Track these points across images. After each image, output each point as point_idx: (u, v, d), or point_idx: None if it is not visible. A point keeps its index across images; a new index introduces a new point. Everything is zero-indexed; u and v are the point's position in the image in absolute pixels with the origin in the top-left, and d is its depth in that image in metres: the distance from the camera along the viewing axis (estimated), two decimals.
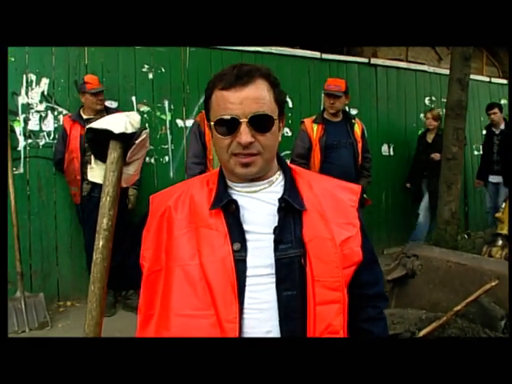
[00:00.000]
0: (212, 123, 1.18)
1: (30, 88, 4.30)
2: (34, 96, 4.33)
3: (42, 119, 4.36)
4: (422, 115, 6.74)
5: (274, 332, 1.14)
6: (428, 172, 5.87)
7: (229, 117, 1.13)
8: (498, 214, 3.80)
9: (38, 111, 4.35)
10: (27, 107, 4.30)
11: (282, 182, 1.27)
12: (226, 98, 1.14)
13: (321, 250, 1.17)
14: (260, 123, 1.14)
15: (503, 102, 7.79)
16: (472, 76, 6.79)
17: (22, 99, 4.27)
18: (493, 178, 6.12)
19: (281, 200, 1.20)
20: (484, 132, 7.43)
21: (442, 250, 3.69)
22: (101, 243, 1.17)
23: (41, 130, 4.36)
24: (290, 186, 1.24)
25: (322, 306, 1.15)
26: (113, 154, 1.19)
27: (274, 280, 1.15)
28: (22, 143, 4.27)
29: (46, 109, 4.38)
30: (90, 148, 1.25)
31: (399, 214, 6.53)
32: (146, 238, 1.23)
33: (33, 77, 4.31)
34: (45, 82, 4.37)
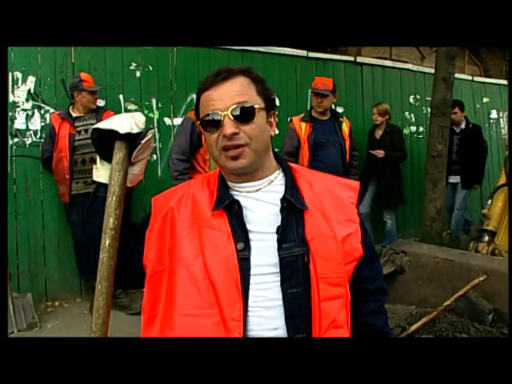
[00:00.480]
0: (199, 122, 1.22)
1: (16, 86, 4.24)
2: (21, 94, 4.27)
3: (28, 118, 4.31)
4: (406, 113, 6.83)
5: (281, 329, 1.16)
6: (375, 169, 5.47)
7: (212, 112, 1.17)
8: (484, 211, 3.87)
9: (24, 110, 4.29)
10: (13, 106, 4.24)
11: (282, 181, 1.28)
12: (209, 96, 1.19)
13: (323, 247, 1.19)
14: (242, 114, 1.17)
15: (485, 100, 7.94)
16: (455, 75, 6.91)
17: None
18: (451, 178, 5.95)
19: (283, 200, 1.22)
20: None
21: (430, 246, 3.75)
22: (107, 242, 1.19)
23: (27, 129, 4.31)
24: (291, 186, 1.26)
25: (326, 302, 1.17)
26: (118, 154, 1.21)
27: (279, 278, 1.17)
28: (8, 142, 4.21)
29: (33, 107, 4.33)
30: (96, 148, 1.26)
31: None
32: (149, 238, 1.25)
33: (19, 75, 4.26)
34: (31, 80, 4.31)
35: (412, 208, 6.71)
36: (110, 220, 1.19)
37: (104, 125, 1.20)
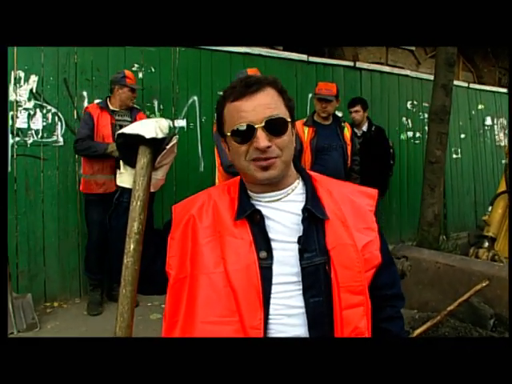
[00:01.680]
0: (228, 133, 1.21)
1: (18, 85, 4.22)
2: (23, 93, 4.25)
3: (30, 117, 4.28)
4: (404, 119, 6.89)
5: (305, 337, 1.17)
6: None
7: (244, 125, 1.17)
8: (484, 217, 3.93)
9: (26, 109, 4.27)
10: (15, 105, 4.22)
11: (303, 190, 1.29)
12: (239, 107, 1.18)
13: (344, 256, 1.21)
14: (275, 127, 1.17)
15: (480, 107, 8.03)
16: None
17: (10, 96, 4.18)
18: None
19: (304, 210, 1.23)
20: (463, 136, 7.66)
21: (430, 251, 3.80)
22: (132, 247, 1.19)
23: (29, 128, 4.28)
24: (312, 195, 1.27)
25: (347, 310, 1.19)
26: (143, 159, 1.22)
27: (301, 287, 1.18)
28: (9, 141, 4.19)
29: (35, 106, 4.31)
30: (120, 153, 1.27)
31: (380, 215, 6.65)
32: (171, 246, 1.26)
33: (21, 74, 4.24)
34: (33, 79, 4.29)
35: (408, 213, 6.77)
36: (135, 224, 1.20)
37: (129, 130, 1.21)
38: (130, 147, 1.22)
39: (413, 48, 8.98)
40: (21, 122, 4.25)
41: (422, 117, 7.02)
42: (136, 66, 4.80)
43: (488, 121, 8.16)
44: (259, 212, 1.22)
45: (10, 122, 4.20)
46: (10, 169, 4.19)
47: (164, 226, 1.32)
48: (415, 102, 7.02)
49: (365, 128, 5.24)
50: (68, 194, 4.42)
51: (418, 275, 3.60)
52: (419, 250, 3.87)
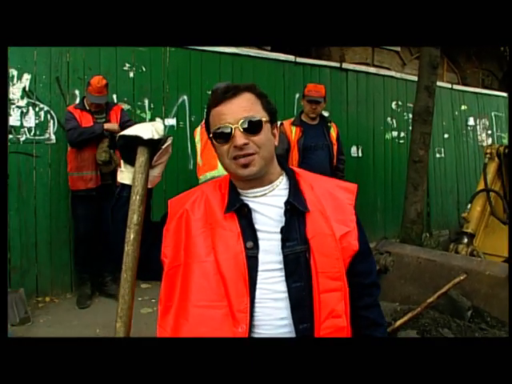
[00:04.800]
0: (211, 135, 1.34)
1: (11, 83, 4.29)
2: (16, 91, 4.32)
3: (22, 115, 4.36)
4: (389, 119, 7.05)
5: (287, 319, 1.30)
6: None
7: (223, 125, 1.30)
8: (464, 214, 4.08)
9: (18, 107, 4.34)
10: (8, 102, 4.27)
11: (286, 185, 1.41)
12: (219, 111, 1.32)
13: (322, 245, 1.33)
14: (250, 126, 1.30)
15: (463, 107, 8.23)
16: None
17: None
18: None
19: (286, 203, 1.35)
20: (446, 136, 7.84)
21: (412, 247, 3.95)
22: (132, 236, 1.32)
23: (22, 126, 4.36)
24: (294, 190, 1.39)
25: (325, 293, 1.31)
26: (141, 158, 1.34)
27: (283, 273, 1.31)
28: (7, 140, 4.25)
29: (27, 104, 4.38)
30: (121, 153, 1.40)
31: (365, 212, 6.79)
32: (166, 236, 1.37)
33: (14, 72, 4.30)
34: (26, 77, 4.37)
35: (392, 210, 6.93)
36: (135, 216, 1.32)
37: (129, 132, 1.34)
38: (129, 148, 1.34)
39: (398, 49, 9.15)
40: (14, 120, 4.32)
41: (406, 117, 7.19)
42: (127, 65, 4.89)
43: (471, 121, 8.36)
44: (247, 206, 1.35)
45: None
46: None
47: (161, 219, 1.44)
48: (400, 103, 7.18)
49: None
50: (60, 191, 4.50)
51: (400, 270, 3.74)
52: (402, 245, 4.02)
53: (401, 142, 7.17)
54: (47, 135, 4.48)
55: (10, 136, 4.30)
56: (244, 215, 1.34)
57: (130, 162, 1.37)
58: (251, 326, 1.28)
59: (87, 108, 4.30)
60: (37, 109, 4.43)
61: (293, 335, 1.30)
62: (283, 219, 1.34)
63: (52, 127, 4.50)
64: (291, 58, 6.04)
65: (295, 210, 1.35)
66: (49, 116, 4.49)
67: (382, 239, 4.09)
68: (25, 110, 4.37)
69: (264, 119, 1.33)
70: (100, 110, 4.35)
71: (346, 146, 6.35)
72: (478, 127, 8.51)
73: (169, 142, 1.38)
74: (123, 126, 4.07)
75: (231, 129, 1.29)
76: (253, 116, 1.30)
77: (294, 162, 4.42)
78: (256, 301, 1.29)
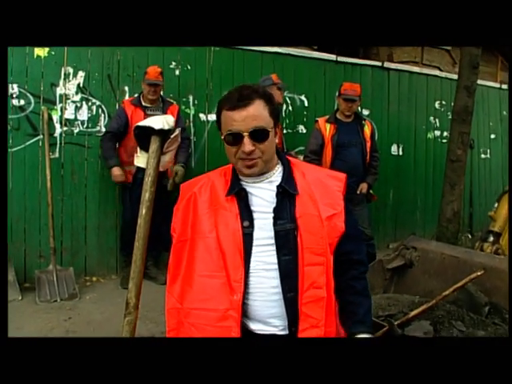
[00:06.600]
0: (222, 136, 1.55)
1: (67, 80, 4.68)
2: (71, 87, 4.71)
3: (77, 109, 4.74)
4: (431, 118, 7.03)
5: (278, 288, 1.51)
6: None
7: (234, 132, 1.50)
8: (490, 213, 4.09)
9: (73, 101, 4.73)
10: (64, 97, 4.68)
11: (281, 173, 1.62)
12: (231, 116, 1.51)
13: (309, 223, 1.54)
14: (258, 135, 1.50)
15: None
16: (483, 82, 7.04)
17: (59, 90, 4.65)
18: None
19: (279, 187, 1.57)
20: (493, 136, 7.70)
21: (437, 243, 4.01)
22: (144, 211, 1.59)
23: (75, 119, 4.75)
24: (287, 176, 1.60)
25: (309, 266, 1.51)
26: (153, 145, 1.61)
27: (275, 248, 1.53)
28: (58, 130, 4.67)
29: (81, 99, 4.76)
30: (137, 141, 1.67)
31: (405, 210, 6.83)
32: (176, 214, 1.63)
33: (70, 70, 4.69)
34: (81, 74, 4.75)
35: (432, 210, 6.90)
36: (147, 195, 1.59)
37: (143, 123, 1.60)
38: (144, 136, 1.61)
39: (449, 47, 9.01)
40: (69, 114, 4.72)
41: (449, 116, 7.12)
42: (173, 63, 5.19)
43: None
44: (244, 190, 1.58)
45: (60, 113, 4.67)
46: (57, 155, 4.67)
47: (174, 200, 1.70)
48: (443, 102, 7.13)
49: None
50: (108, 180, 4.81)
51: (425, 265, 3.82)
52: (427, 241, 4.08)
53: (443, 141, 7.10)
54: (98, 128, 4.84)
55: (65, 128, 4.70)
56: (242, 198, 1.57)
57: (145, 148, 1.63)
58: (247, 293, 1.51)
59: (142, 104, 4.61)
60: (89, 103, 4.80)
61: (282, 303, 1.52)
62: (275, 200, 1.55)
63: (103, 121, 4.86)
64: (332, 57, 6.15)
65: (286, 193, 1.56)
66: (100, 110, 4.85)
67: (410, 235, 4.16)
68: (79, 105, 4.75)
69: (270, 127, 1.53)
70: (155, 107, 4.63)
71: (386, 144, 6.43)
72: None
73: (177, 132, 1.64)
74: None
75: (241, 136, 1.49)
76: (261, 126, 1.49)
77: (327, 158, 4.58)
78: (250, 271, 1.52)
